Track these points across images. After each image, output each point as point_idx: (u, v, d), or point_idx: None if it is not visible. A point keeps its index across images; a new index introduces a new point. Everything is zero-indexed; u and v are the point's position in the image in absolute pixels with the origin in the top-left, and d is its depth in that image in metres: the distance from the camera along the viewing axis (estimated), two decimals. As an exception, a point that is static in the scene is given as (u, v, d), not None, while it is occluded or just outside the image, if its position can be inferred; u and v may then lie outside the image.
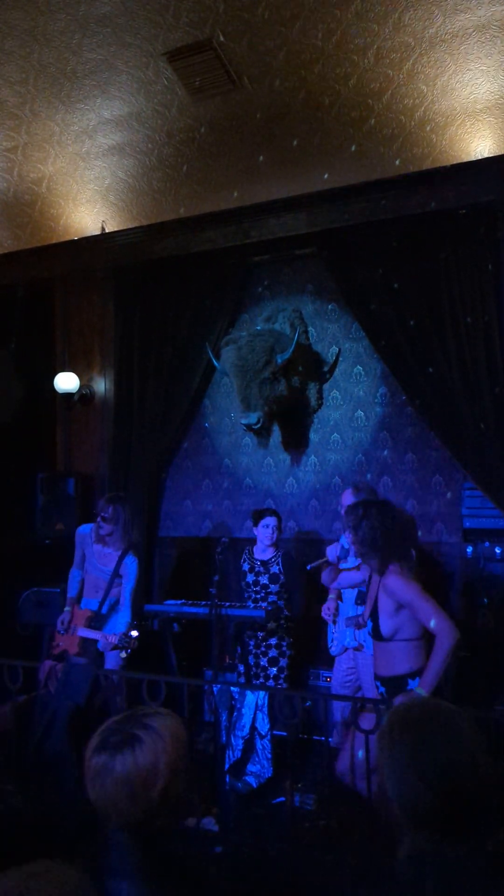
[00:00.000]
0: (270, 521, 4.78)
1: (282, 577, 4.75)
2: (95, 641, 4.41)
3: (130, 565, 4.51)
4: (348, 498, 4.28)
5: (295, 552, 5.10)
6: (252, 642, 4.72)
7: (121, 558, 4.49)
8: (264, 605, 4.68)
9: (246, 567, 4.84)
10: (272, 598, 4.73)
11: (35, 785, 3.52)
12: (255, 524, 4.83)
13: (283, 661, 4.69)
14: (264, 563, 4.78)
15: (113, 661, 4.51)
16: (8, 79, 4.76)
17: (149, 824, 1.53)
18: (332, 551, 3.82)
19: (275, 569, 4.76)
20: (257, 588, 4.77)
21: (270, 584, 4.74)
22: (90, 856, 1.56)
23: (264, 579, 4.76)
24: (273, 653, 4.69)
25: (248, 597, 4.80)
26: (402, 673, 3.21)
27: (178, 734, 1.61)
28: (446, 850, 1.33)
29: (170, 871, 1.59)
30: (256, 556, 4.84)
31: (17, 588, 5.40)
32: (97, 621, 4.43)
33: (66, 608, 4.64)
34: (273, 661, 4.68)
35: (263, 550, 4.83)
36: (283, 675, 4.67)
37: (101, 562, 4.57)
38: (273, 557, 4.78)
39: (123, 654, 4.24)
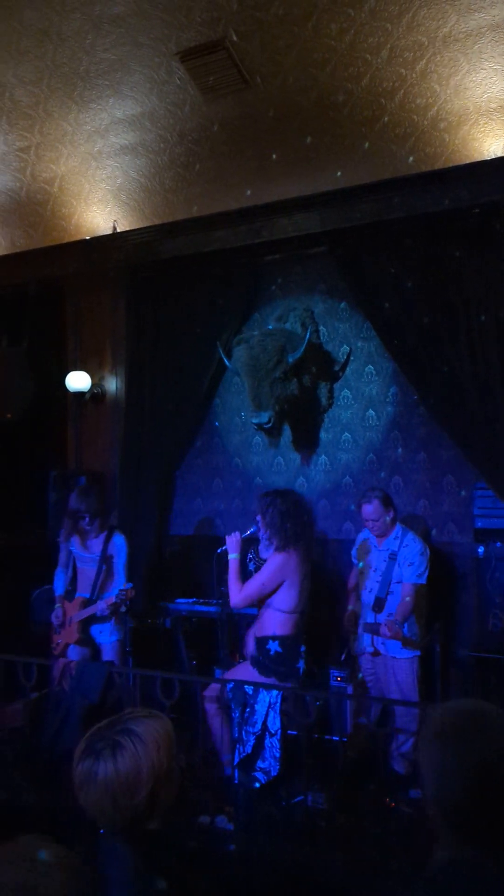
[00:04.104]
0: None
1: None
2: (91, 624, 4.50)
3: (119, 542, 4.58)
4: (378, 509, 4.26)
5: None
6: None
7: (107, 539, 4.56)
8: None
9: (252, 567, 4.84)
10: None
11: (48, 781, 3.54)
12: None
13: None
14: None
15: (110, 652, 4.53)
16: (22, 79, 4.78)
17: (140, 828, 1.53)
18: (232, 539, 4.03)
19: None
20: None
21: None
22: (88, 859, 1.56)
23: None
24: None
25: None
26: (265, 635, 3.80)
27: (163, 739, 1.60)
28: (484, 858, 1.30)
29: (178, 872, 1.59)
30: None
31: (29, 586, 5.42)
32: (91, 605, 4.51)
33: (57, 605, 4.69)
34: None
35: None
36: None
37: (87, 552, 4.63)
38: None
39: (124, 609, 4.39)
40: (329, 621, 5.09)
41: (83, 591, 4.62)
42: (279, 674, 3.76)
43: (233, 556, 3.92)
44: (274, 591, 3.79)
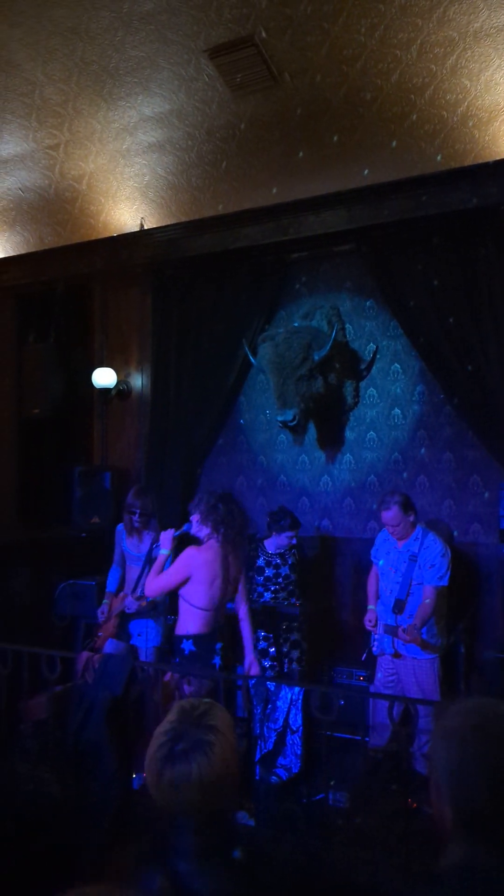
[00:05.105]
0: (292, 533, 4.78)
1: (297, 566, 4.84)
2: (129, 620, 4.56)
3: None
4: (398, 515, 4.24)
5: (322, 549, 5.09)
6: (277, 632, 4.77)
7: (154, 541, 4.60)
8: (283, 595, 4.75)
9: (261, 562, 4.85)
10: (291, 587, 4.80)
11: (72, 774, 3.57)
12: (278, 532, 4.78)
13: (304, 645, 4.76)
14: (281, 556, 4.82)
15: (149, 643, 4.58)
16: (51, 76, 4.82)
17: (215, 813, 1.56)
18: (165, 535, 4.04)
19: (291, 559, 4.84)
20: (279, 580, 4.80)
21: (291, 574, 4.81)
22: (153, 841, 1.58)
23: (285, 570, 4.80)
24: (294, 636, 4.75)
25: (267, 589, 4.82)
26: (181, 634, 3.83)
27: (230, 724, 1.64)
28: (499, 860, 1.27)
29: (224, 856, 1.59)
30: (270, 549, 4.84)
31: (53, 580, 5.47)
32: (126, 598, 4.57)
33: (105, 601, 4.76)
34: (295, 645, 4.73)
35: (277, 546, 4.84)
36: (303, 659, 4.72)
37: (136, 551, 4.70)
38: (287, 550, 4.83)
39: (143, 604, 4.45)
40: (349, 620, 5.08)
41: (128, 589, 4.71)
42: (195, 673, 3.75)
43: (163, 552, 4.00)
44: (182, 585, 3.86)
